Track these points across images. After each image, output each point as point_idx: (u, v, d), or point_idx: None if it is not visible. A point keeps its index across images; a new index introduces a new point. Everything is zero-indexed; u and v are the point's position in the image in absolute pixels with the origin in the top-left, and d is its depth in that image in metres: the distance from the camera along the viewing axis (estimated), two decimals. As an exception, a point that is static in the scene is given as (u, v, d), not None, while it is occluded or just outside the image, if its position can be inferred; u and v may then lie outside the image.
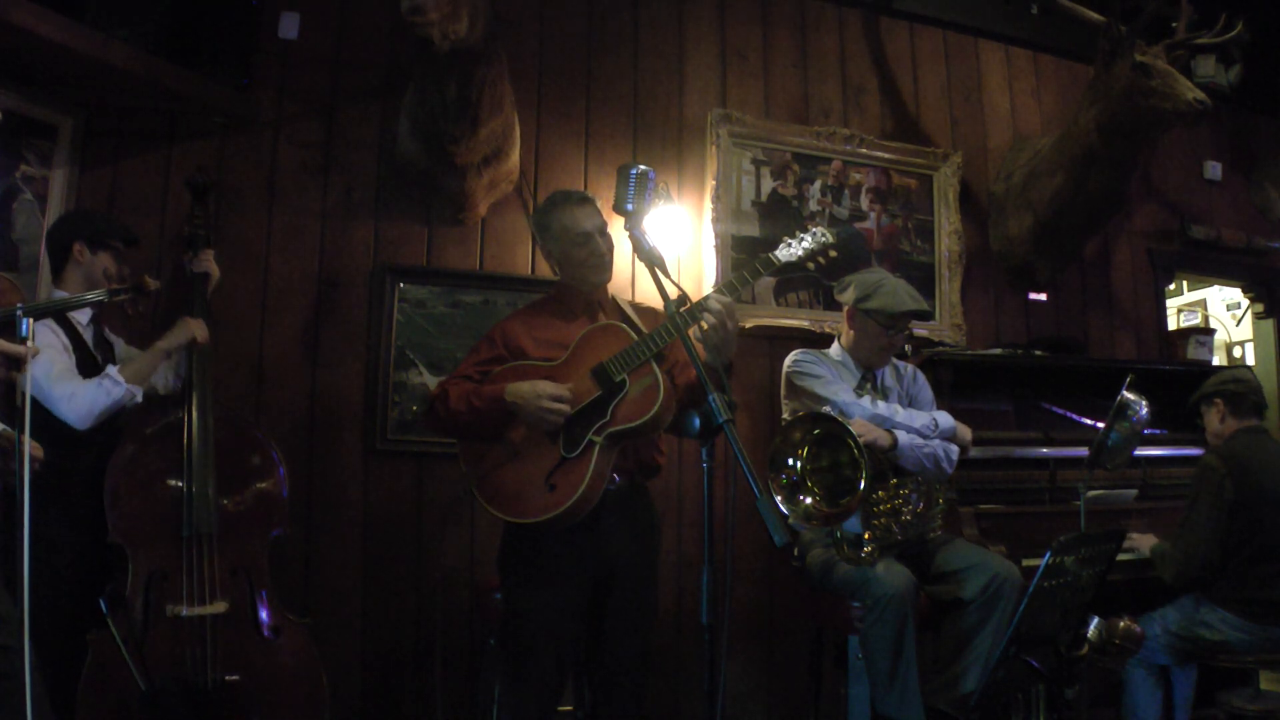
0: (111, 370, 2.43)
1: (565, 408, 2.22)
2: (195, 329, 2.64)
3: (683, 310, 2.12)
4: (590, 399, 2.25)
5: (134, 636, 2.32)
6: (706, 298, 2.17)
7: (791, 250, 2.30)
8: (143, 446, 2.50)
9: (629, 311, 2.46)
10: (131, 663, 2.25)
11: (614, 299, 2.54)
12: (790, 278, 3.82)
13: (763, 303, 3.80)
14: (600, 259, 2.45)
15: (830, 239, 2.30)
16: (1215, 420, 3.25)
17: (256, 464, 2.69)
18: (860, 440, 2.17)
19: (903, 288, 2.89)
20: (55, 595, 2.28)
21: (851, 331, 2.96)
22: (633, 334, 2.29)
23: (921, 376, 3.08)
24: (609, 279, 2.51)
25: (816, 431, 2.18)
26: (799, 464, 2.14)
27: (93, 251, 2.58)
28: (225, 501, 2.56)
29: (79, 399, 2.34)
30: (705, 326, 2.14)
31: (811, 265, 2.33)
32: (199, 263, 2.84)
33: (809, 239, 2.31)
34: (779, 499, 2.09)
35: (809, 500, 2.13)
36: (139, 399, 2.48)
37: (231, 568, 2.51)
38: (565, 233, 2.44)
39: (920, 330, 3.94)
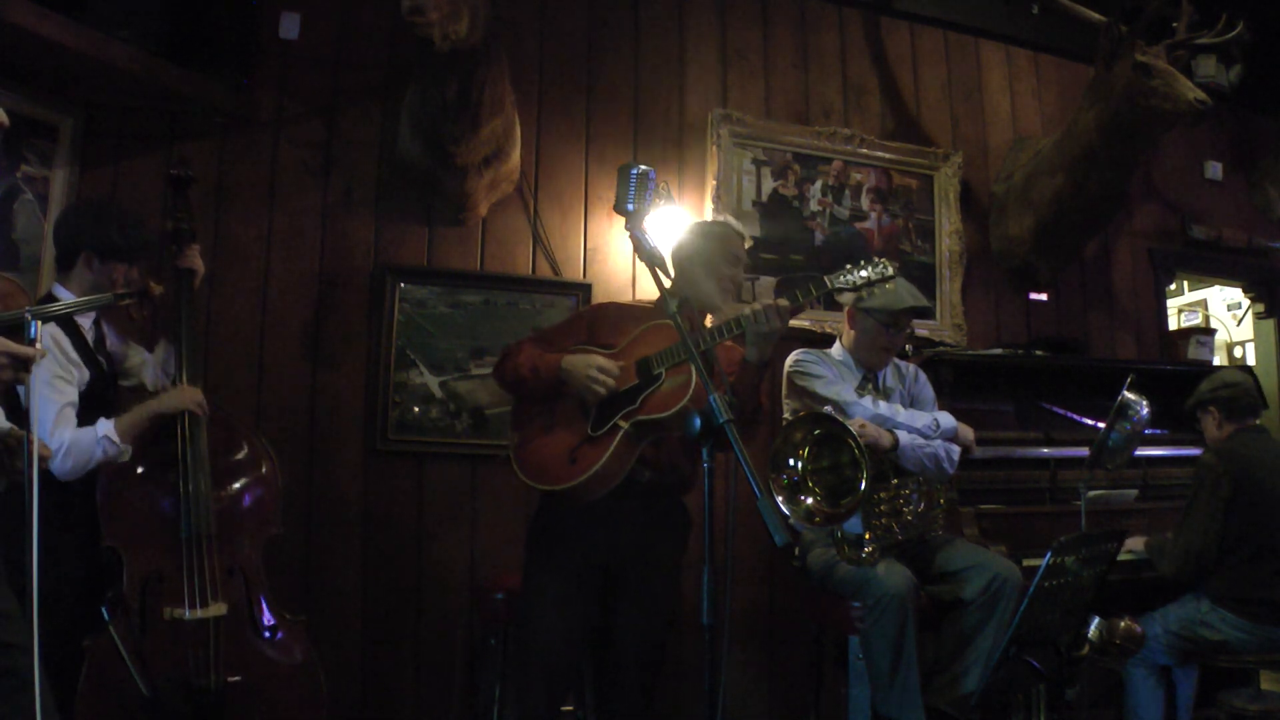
0: (107, 428, 2.30)
1: (611, 380, 2.31)
2: (191, 398, 2.49)
3: (730, 321, 2.26)
4: (626, 386, 2.32)
5: (132, 641, 2.30)
6: (756, 304, 2.27)
7: (849, 278, 2.34)
8: (136, 449, 2.47)
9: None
10: (134, 668, 2.24)
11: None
12: (791, 277, 3.82)
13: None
14: (738, 286, 2.61)
15: (891, 271, 2.35)
16: (1213, 427, 3.25)
17: (250, 463, 2.67)
18: (861, 440, 2.17)
19: (903, 285, 2.88)
20: (54, 601, 2.23)
21: (852, 331, 2.96)
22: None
23: (923, 376, 3.08)
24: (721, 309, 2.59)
25: (817, 432, 2.17)
26: (800, 464, 2.14)
27: (103, 262, 2.47)
28: (220, 501, 2.55)
29: (75, 454, 2.24)
30: (752, 322, 2.25)
31: (864, 294, 2.44)
32: (185, 258, 2.70)
33: (869, 270, 2.34)
34: (780, 499, 2.09)
35: (810, 500, 2.13)
36: (127, 457, 2.37)
37: (228, 568, 2.50)
38: (725, 250, 2.56)
39: (921, 330, 3.94)
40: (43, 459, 1.97)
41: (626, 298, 3.59)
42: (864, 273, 2.33)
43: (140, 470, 2.48)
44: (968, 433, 2.92)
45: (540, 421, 2.42)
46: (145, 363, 2.72)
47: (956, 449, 2.83)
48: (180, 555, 2.41)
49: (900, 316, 2.87)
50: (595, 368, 2.32)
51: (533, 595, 2.40)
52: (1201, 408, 3.28)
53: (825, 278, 2.34)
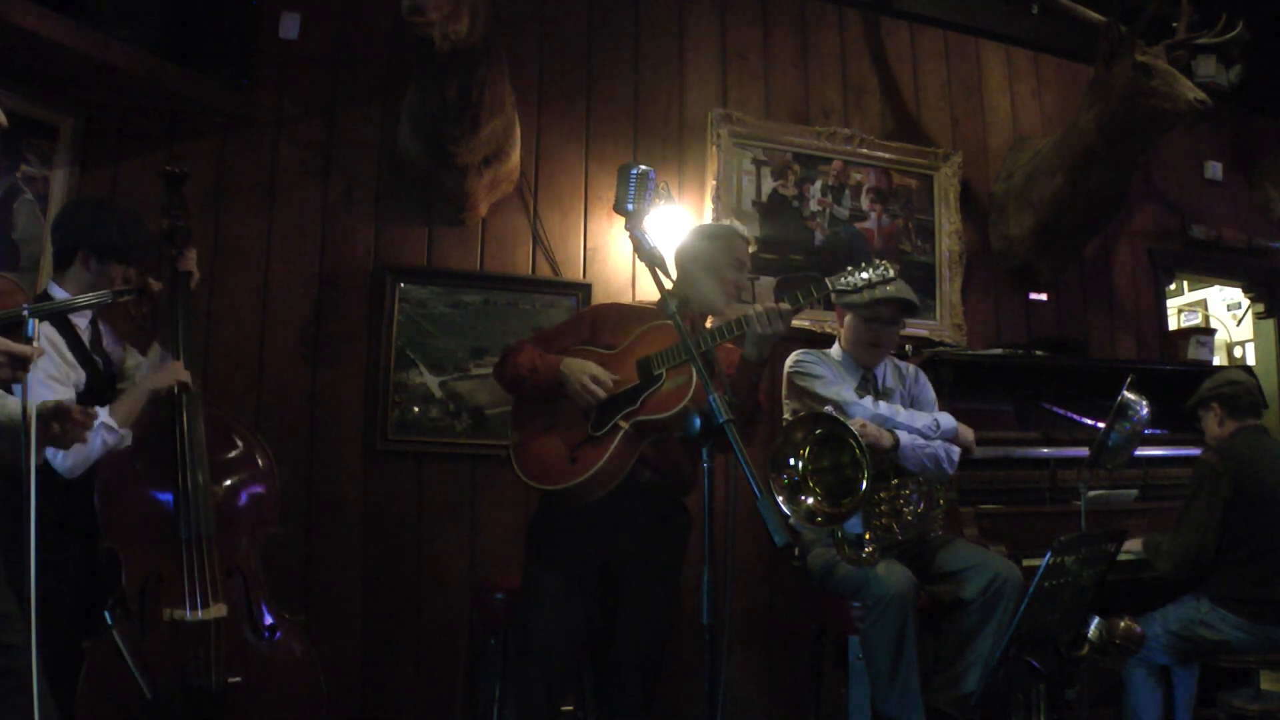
0: (104, 416, 2.25)
1: (601, 391, 2.33)
2: (180, 373, 2.50)
3: (731, 321, 2.28)
4: (627, 387, 2.34)
5: (133, 642, 2.30)
6: (758, 306, 2.30)
7: (850, 280, 2.35)
8: (133, 448, 2.46)
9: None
10: (136, 670, 2.24)
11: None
12: (791, 278, 3.82)
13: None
14: (741, 290, 2.63)
15: (892, 274, 2.36)
16: (1214, 424, 3.24)
17: (247, 462, 2.66)
18: (862, 440, 2.17)
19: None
20: (53, 601, 2.21)
21: (845, 330, 2.96)
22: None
23: (924, 376, 3.08)
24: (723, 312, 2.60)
25: (818, 432, 2.17)
26: (800, 464, 2.14)
27: (100, 261, 2.44)
28: (217, 499, 2.54)
29: (76, 450, 2.19)
30: (754, 324, 2.28)
31: (865, 295, 2.50)
32: (184, 261, 2.70)
33: (870, 272, 2.35)
34: (780, 499, 2.09)
35: (810, 501, 2.13)
36: (129, 442, 2.34)
37: (227, 569, 2.49)
38: (729, 253, 2.58)
39: (921, 330, 3.94)
40: (91, 419, 2.01)
41: (626, 298, 3.59)
42: (865, 274, 2.33)
43: (138, 469, 2.47)
44: (968, 433, 2.92)
45: (541, 421, 2.44)
46: (139, 365, 2.70)
47: (956, 449, 2.82)
48: (180, 556, 2.40)
49: (878, 308, 2.81)
50: (589, 376, 2.34)
51: (533, 595, 2.41)
52: (1204, 405, 3.28)
53: (826, 279, 2.35)
